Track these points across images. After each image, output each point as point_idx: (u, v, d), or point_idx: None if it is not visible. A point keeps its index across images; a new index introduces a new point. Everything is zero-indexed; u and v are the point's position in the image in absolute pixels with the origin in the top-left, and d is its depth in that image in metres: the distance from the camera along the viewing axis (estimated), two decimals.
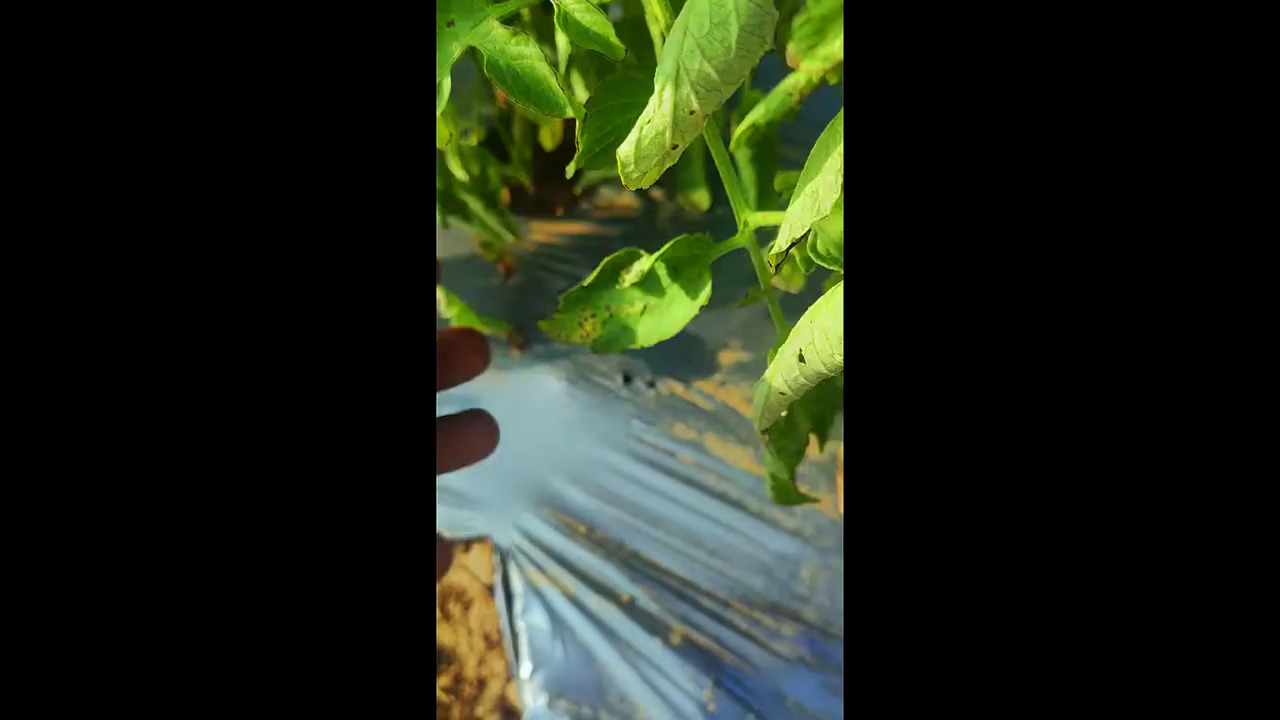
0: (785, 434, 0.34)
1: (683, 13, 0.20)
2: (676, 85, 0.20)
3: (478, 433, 0.32)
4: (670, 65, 0.20)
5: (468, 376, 0.33)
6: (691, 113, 0.20)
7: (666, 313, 0.30)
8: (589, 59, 0.44)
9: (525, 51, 0.24)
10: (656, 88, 0.21)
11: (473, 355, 0.33)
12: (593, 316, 0.29)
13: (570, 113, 0.23)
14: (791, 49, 0.34)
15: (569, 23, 0.24)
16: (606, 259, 0.29)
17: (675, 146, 0.21)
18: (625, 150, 0.22)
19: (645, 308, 0.30)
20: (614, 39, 0.24)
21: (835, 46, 0.35)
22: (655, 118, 0.21)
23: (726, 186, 0.27)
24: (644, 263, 0.29)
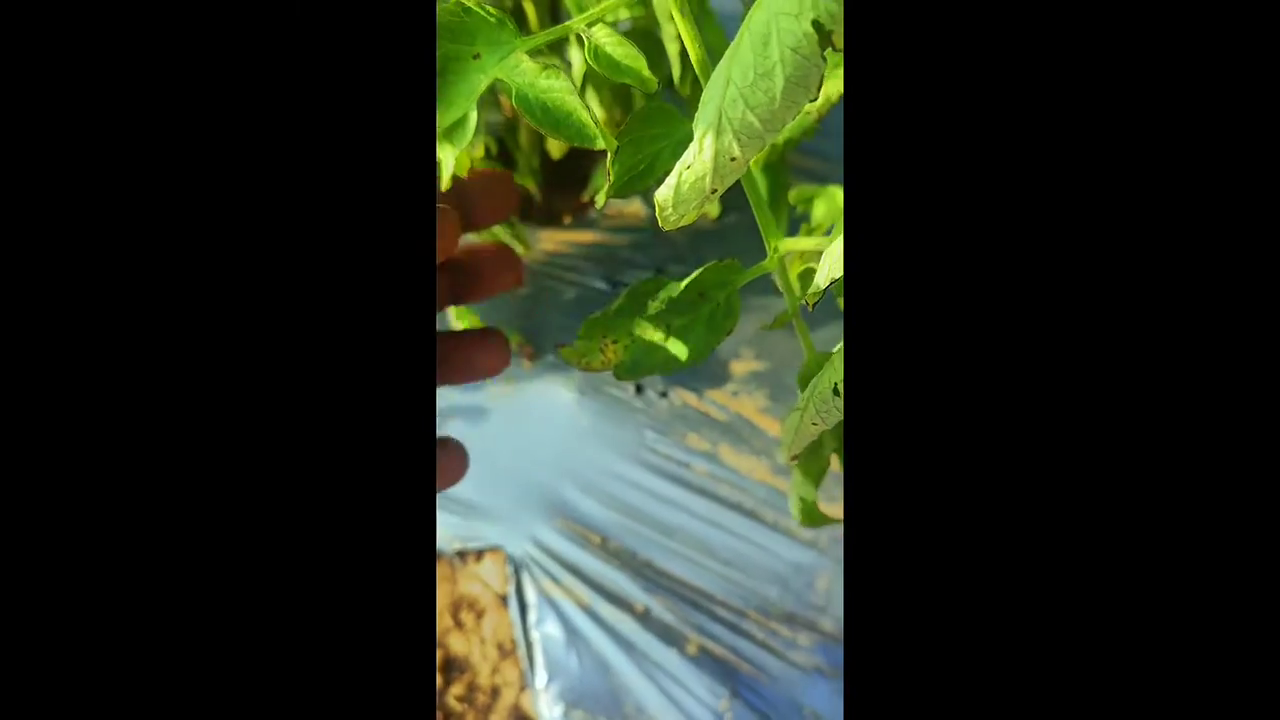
0: (810, 455, 0.34)
1: (724, 60, 0.20)
2: (718, 133, 0.20)
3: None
4: (712, 113, 0.20)
5: (484, 373, 0.33)
6: (733, 159, 0.20)
7: (692, 338, 0.29)
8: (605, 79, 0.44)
9: (555, 85, 0.23)
10: (697, 134, 0.21)
11: (490, 353, 0.33)
12: (614, 343, 0.29)
13: (602, 145, 0.23)
14: None
15: (599, 55, 0.24)
16: (631, 285, 0.29)
17: (714, 191, 0.21)
18: (664, 194, 0.22)
19: (670, 333, 0.29)
20: (646, 72, 0.24)
21: (832, 100, 0.35)
22: (696, 163, 0.21)
23: (756, 213, 0.27)
24: (672, 288, 0.29)
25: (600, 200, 0.26)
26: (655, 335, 0.29)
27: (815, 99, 0.20)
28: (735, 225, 0.59)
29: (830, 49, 0.19)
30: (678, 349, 0.30)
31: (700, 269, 0.29)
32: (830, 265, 0.22)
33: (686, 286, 0.28)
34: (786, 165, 0.51)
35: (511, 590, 0.56)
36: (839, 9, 0.18)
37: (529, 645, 0.54)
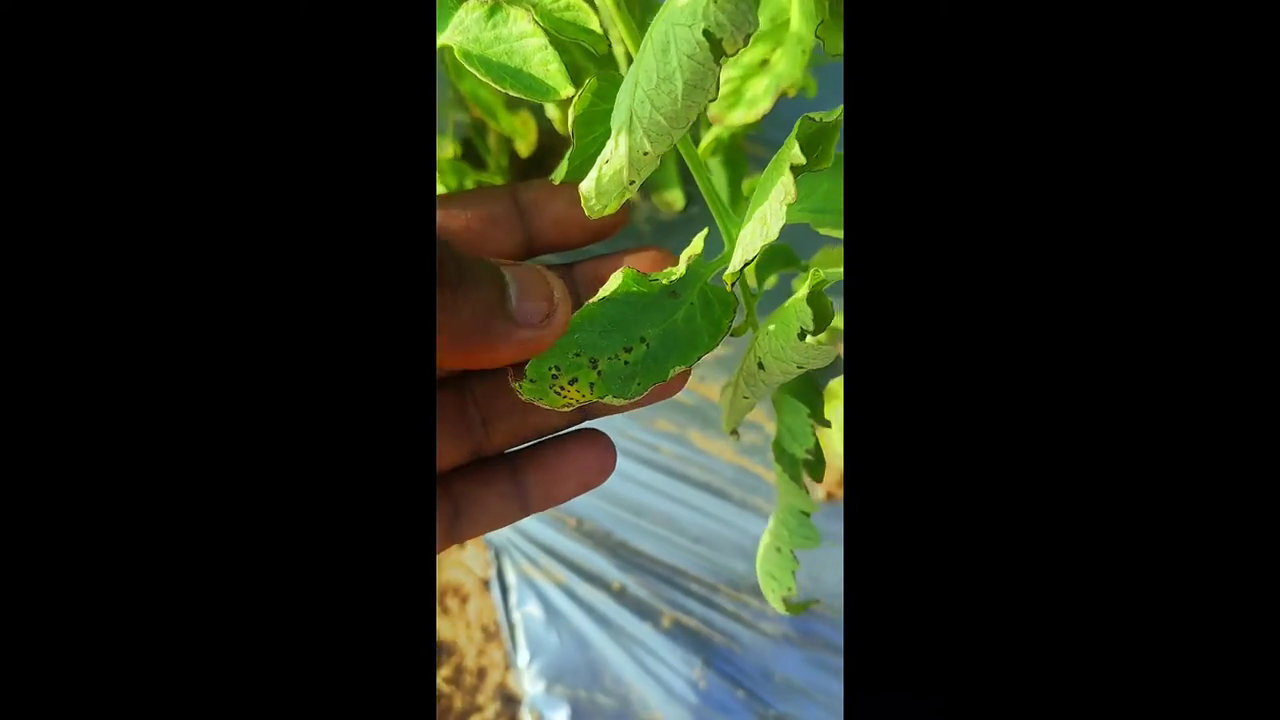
0: (778, 563, 0.35)
1: (633, 65, 0.22)
2: (630, 131, 0.22)
3: (592, 454, 0.27)
4: (624, 113, 0.22)
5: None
6: (645, 154, 0.23)
7: (679, 340, 0.25)
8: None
9: (502, 34, 0.24)
10: (613, 131, 0.23)
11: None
12: (572, 382, 0.23)
13: (564, 94, 0.23)
14: (712, 111, 0.36)
15: (543, 14, 0.24)
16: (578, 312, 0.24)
17: (632, 182, 0.24)
18: (587, 186, 0.24)
19: (647, 348, 0.24)
20: (596, 28, 0.24)
21: (757, 106, 0.36)
22: (613, 158, 0.23)
23: (711, 207, 0.28)
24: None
25: (555, 178, 0.28)
26: (624, 357, 0.24)
27: (715, 98, 0.22)
28: (701, 215, 0.61)
29: (724, 56, 0.21)
30: (661, 362, 0.24)
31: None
32: (744, 249, 0.25)
33: (650, 284, 0.24)
34: (743, 155, 0.53)
35: (493, 574, 0.59)
36: (727, 19, 0.20)
37: (511, 626, 0.57)
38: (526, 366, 0.23)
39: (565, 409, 0.24)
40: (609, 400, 0.24)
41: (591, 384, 0.23)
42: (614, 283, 0.24)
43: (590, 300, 0.24)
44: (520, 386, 0.23)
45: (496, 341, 0.22)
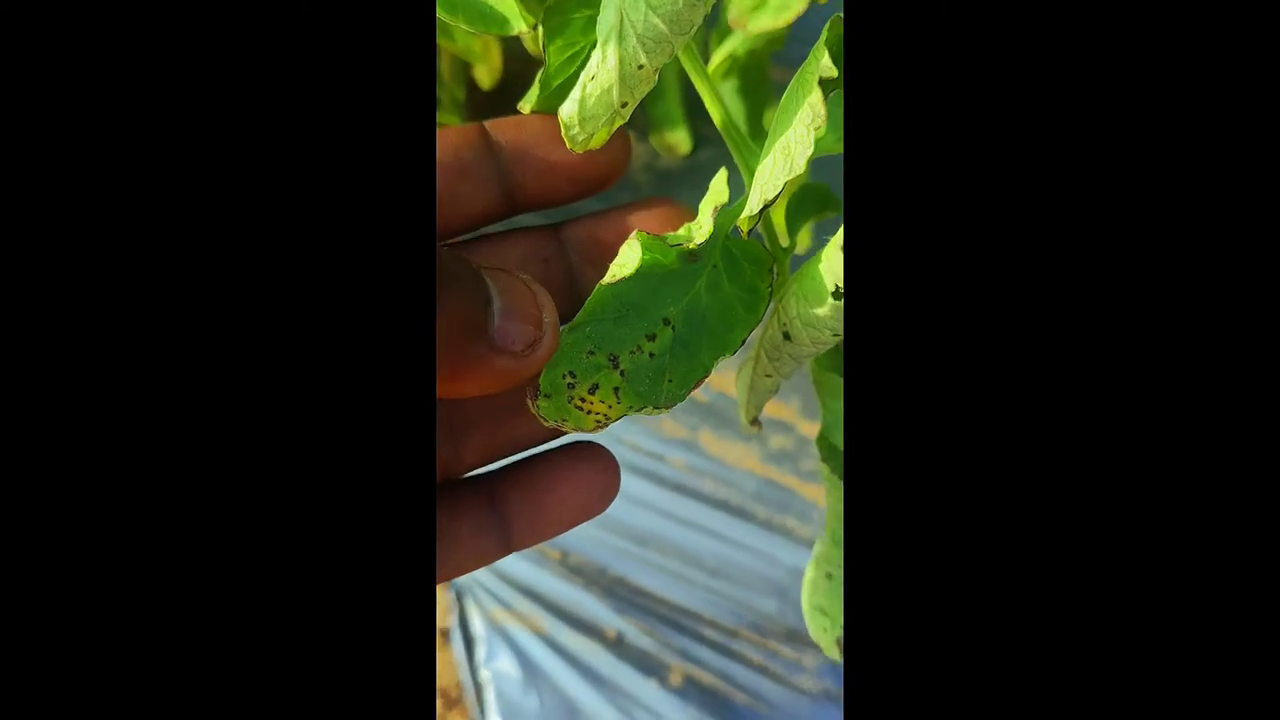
0: (828, 594, 0.35)
1: None
2: (621, 39, 0.22)
3: (591, 473, 0.26)
4: (613, 16, 0.22)
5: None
6: (640, 67, 0.22)
7: (711, 320, 0.24)
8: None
9: None
10: (599, 41, 0.23)
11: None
12: (593, 391, 0.23)
13: (520, 28, 0.24)
14: (733, 14, 0.36)
15: None
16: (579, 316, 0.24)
17: (625, 105, 0.23)
18: (568, 110, 0.24)
19: (673, 332, 0.24)
20: None
21: (791, 7, 0.36)
22: (600, 74, 0.23)
23: (727, 138, 0.27)
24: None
25: (524, 107, 0.27)
26: (650, 346, 0.23)
27: None
28: (710, 163, 0.61)
29: None
30: (693, 349, 0.24)
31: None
32: (763, 187, 0.24)
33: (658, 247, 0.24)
34: (767, 80, 0.53)
35: (454, 622, 0.58)
36: None
37: (478, 688, 0.57)
38: (540, 379, 0.23)
39: (597, 429, 0.23)
40: (647, 412, 0.23)
41: (616, 389, 0.23)
42: (627, 254, 0.24)
43: (602, 281, 0.23)
44: (538, 406, 0.23)
45: (469, 367, 0.22)
